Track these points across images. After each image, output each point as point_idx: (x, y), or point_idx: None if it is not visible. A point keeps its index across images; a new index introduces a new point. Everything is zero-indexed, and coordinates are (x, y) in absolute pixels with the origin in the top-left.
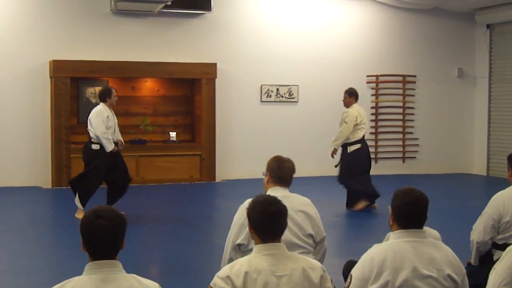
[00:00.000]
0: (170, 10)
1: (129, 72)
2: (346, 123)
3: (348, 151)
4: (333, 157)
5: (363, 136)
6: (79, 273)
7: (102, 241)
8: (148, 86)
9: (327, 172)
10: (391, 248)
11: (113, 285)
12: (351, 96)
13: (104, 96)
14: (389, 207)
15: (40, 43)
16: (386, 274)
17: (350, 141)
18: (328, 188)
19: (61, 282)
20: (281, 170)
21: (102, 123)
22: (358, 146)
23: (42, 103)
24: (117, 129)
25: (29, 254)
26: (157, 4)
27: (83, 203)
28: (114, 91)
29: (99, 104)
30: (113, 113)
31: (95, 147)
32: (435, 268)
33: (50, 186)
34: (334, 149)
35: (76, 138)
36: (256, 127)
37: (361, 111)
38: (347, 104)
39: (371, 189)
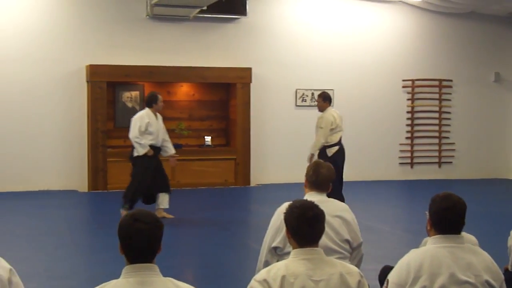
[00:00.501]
0: (205, 15)
1: (165, 77)
2: (322, 128)
3: (329, 155)
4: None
5: (340, 138)
6: (116, 276)
7: (140, 244)
8: (184, 91)
9: (363, 177)
10: (428, 253)
11: None
12: (325, 100)
13: (150, 102)
14: (427, 212)
15: (77, 48)
16: (423, 279)
17: (328, 144)
18: (364, 192)
19: (99, 285)
20: (317, 176)
21: (137, 127)
22: (336, 148)
23: (78, 107)
24: (164, 134)
25: (66, 257)
26: (193, 9)
27: (130, 207)
28: (160, 97)
29: (143, 109)
30: (160, 118)
31: (136, 153)
32: (473, 274)
33: (86, 190)
34: (312, 154)
35: (112, 142)
36: (291, 132)
37: (335, 114)
38: (321, 109)
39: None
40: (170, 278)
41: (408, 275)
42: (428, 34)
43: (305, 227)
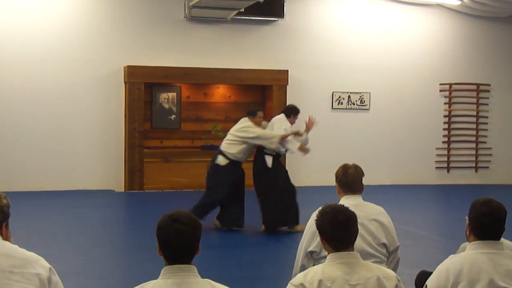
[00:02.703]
0: (243, 17)
1: (202, 78)
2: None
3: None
4: None
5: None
6: (152, 276)
7: (178, 245)
8: (220, 92)
9: (399, 181)
10: (467, 259)
11: None
12: None
13: (291, 112)
14: (466, 217)
15: (115, 49)
16: (462, 285)
17: None
18: (400, 196)
19: (138, 285)
20: (346, 177)
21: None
22: None
23: (116, 108)
24: None
25: (102, 256)
26: (231, 11)
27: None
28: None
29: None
30: None
31: (269, 162)
32: None
33: (122, 190)
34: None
35: (149, 142)
36: (327, 134)
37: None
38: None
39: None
40: (208, 280)
41: (447, 281)
42: (466, 38)
43: (339, 231)
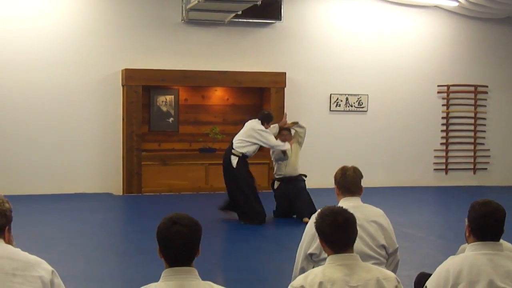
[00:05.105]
0: (240, 20)
1: (199, 81)
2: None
3: None
4: None
5: None
6: (151, 279)
7: (179, 247)
8: (218, 95)
9: (397, 183)
10: (467, 260)
11: None
12: None
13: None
14: (465, 219)
15: (113, 52)
16: (462, 286)
17: None
18: (398, 198)
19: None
20: (344, 179)
21: None
22: None
23: (114, 111)
24: None
25: (102, 259)
26: (228, 13)
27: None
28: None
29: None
30: None
31: (234, 162)
32: None
33: (121, 193)
34: None
35: (147, 145)
36: (325, 136)
37: None
38: None
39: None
40: (209, 282)
41: (447, 282)
42: (463, 39)
43: (338, 233)
